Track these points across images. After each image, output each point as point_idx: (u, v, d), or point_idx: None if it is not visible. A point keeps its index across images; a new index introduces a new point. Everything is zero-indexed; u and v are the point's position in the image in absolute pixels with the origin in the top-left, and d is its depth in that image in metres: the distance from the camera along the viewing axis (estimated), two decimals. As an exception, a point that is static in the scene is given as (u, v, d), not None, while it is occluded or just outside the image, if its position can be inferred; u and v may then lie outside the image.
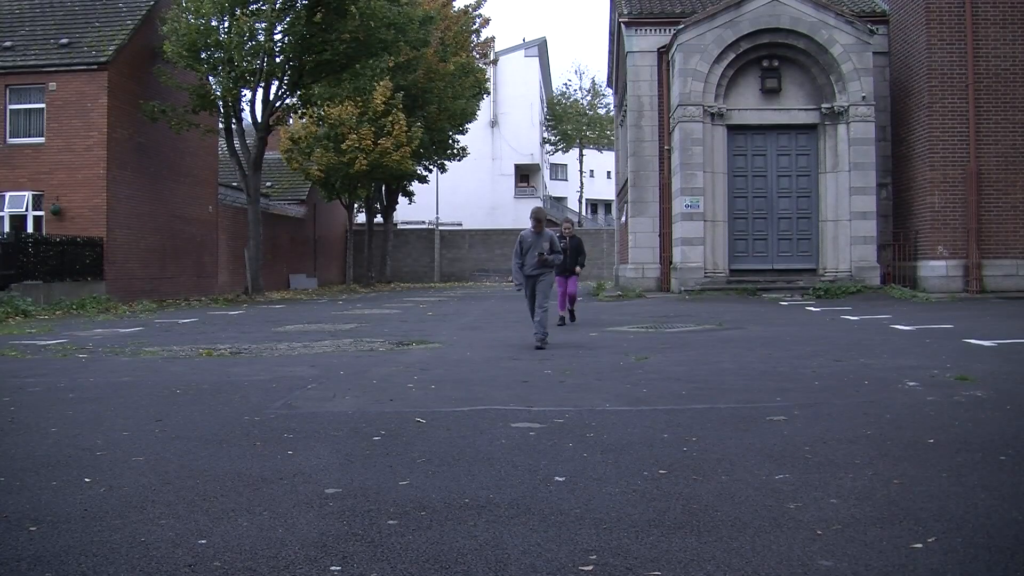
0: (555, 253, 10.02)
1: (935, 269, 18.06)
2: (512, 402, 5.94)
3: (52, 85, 21.23)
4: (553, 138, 56.96)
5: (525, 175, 55.42)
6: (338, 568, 2.82)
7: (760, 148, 19.68)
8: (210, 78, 22.82)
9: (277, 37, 22.61)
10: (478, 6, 36.87)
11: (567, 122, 56.11)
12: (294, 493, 3.72)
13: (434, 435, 4.91)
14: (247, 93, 23.36)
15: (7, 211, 21.21)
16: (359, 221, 40.41)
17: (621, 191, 26.74)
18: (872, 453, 4.27)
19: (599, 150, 60.15)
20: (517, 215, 48.98)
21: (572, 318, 13.01)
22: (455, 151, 37.46)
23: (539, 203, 54.00)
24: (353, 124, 30.06)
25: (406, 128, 31.09)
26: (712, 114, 19.26)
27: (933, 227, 18.10)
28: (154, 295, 22.25)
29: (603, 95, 56.12)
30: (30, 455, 4.52)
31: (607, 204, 61.20)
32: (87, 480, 3.98)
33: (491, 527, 3.22)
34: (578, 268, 13.29)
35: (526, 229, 10.26)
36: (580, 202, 59.67)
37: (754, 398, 5.96)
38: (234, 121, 23.57)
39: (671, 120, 20.36)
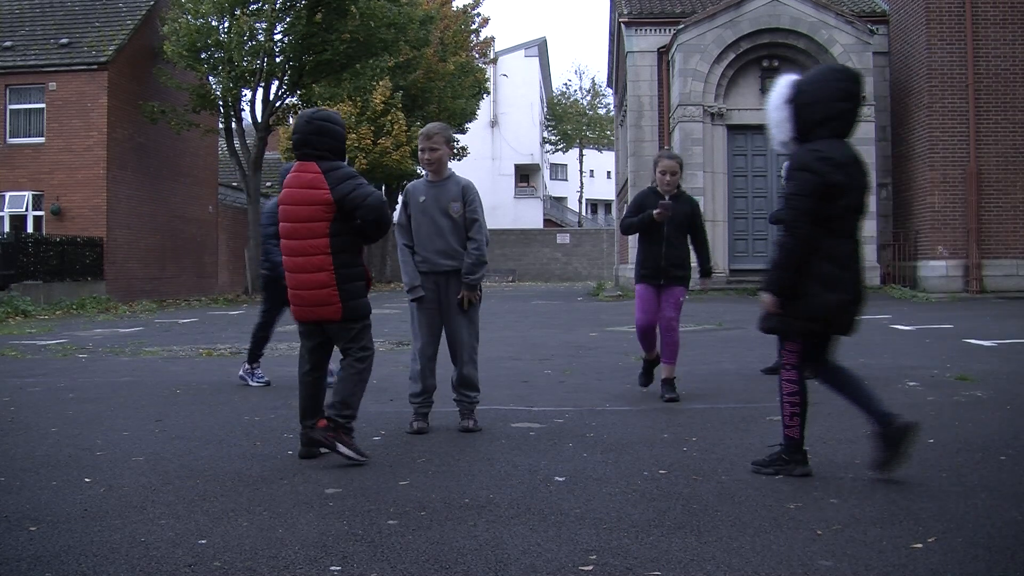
0: (476, 224, 4.93)
1: (935, 269, 18.04)
2: (512, 402, 5.94)
3: (52, 85, 21.24)
4: (553, 138, 56.94)
5: (525, 175, 55.40)
6: (338, 568, 2.82)
7: (760, 148, 19.65)
8: (210, 78, 22.82)
9: (277, 37, 22.61)
10: (477, 5, 36.85)
11: (567, 122, 56.07)
12: (294, 493, 3.72)
13: (434, 435, 4.91)
14: (247, 93, 23.36)
15: (7, 211, 21.22)
16: (359, 221, 40.35)
17: (621, 191, 26.73)
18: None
19: (599, 150, 60.10)
20: (517, 215, 49.00)
21: (671, 392, 5.87)
22: (455, 151, 37.40)
23: (539, 203, 53.83)
24: (352, 124, 30.05)
25: (406, 128, 31.07)
26: (712, 114, 19.25)
27: (933, 227, 18.09)
28: (154, 295, 22.24)
29: (603, 95, 56.09)
30: (30, 455, 4.52)
31: (607, 204, 61.17)
32: (87, 480, 3.98)
33: (491, 527, 3.21)
34: (706, 271, 6.62)
35: (416, 179, 5.26)
36: (580, 202, 59.65)
37: (754, 398, 5.97)
38: (234, 121, 23.56)
39: (671, 120, 20.36)
